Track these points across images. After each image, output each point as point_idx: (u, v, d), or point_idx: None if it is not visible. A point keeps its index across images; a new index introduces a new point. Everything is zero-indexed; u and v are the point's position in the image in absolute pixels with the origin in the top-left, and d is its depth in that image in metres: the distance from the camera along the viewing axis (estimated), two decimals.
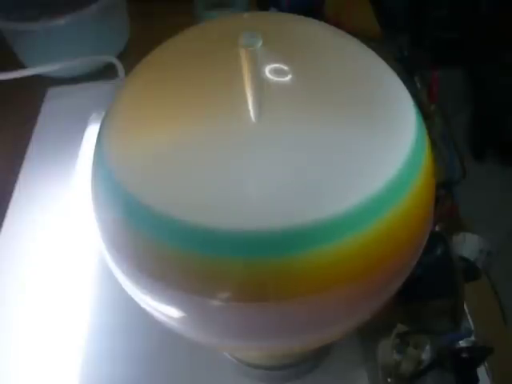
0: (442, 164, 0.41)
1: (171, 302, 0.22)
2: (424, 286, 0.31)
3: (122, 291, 0.24)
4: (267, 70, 0.22)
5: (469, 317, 0.35)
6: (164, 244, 0.20)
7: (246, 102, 0.21)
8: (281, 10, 0.56)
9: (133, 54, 0.60)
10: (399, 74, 0.25)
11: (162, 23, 0.53)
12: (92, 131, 0.48)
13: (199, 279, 0.20)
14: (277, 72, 0.22)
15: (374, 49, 0.25)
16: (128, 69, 0.53)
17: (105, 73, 0.57)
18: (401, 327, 0.31)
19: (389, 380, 0.31)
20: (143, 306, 0.24)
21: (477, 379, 0.31)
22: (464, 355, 0.30)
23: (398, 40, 0.55)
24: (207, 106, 0.21)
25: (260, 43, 0.21)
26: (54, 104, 0.53)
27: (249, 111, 0.21)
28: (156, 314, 0.24)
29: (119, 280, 0.24)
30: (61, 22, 0.51)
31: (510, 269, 0.77)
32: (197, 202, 0.20)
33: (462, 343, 0.30)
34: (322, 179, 0.20)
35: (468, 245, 0.35)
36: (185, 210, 0.20)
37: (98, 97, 0.52)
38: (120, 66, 0.54)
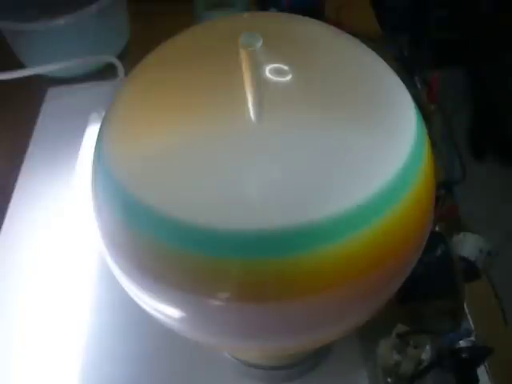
0: (442, 164, 0.41)
1: (171, 302, 0.22)
2: (424, 286, 0.31)
3: (122, 291, 0.24)
4: (267, 70, 0.22)
5: (469, 317, 0.35)
6: (163, 244, 0.20)
7: (245, 102, 0.21)
8: (281, 10, 0.56)
9: (133, 54, 0.60)
10: (399, 74, 0.25)
11: (161, 23, 0.53)
12: (92, 131, 0.48)
13: (199, 279, 0.20)
14: (277, 72, 0.22)
15: (373, 49, 0.25)
16: (128, 69, 0.53)
17: (105, 73, 0.57)
18: (401, 327, 0.31)
19: (389, 380, 0.31)
20: (143, 305, 0.24)
21: (477, 379, 0.31)
22: (464, 355, 0.30)
23: (398, 40, 0.55)
24: (207, 106, 0.21)
25: (260, 43, 0.21)
26: (54, 104, 0.53)
27: (249, 111, 0.21)
28: (156, 314, 0.24)
29: (119, 280, 0.24)
30: (61, 22, 0.50)
31: (510, 269, 0.77)
32: (197, 202, 0.20)
33: (462, 343, 0.30)
34: (321, 179, 0.20)
35: (468, 245, 0.35)
36: (184, 210, 0.20)
37: (98, 97, 0.52)
38: (120, 66, 0.54)
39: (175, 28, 0.27)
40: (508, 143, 1.24)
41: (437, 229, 0.38)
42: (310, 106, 0.21)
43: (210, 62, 0.23)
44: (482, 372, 0.32)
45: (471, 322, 0.35)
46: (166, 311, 0.23)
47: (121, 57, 0.57)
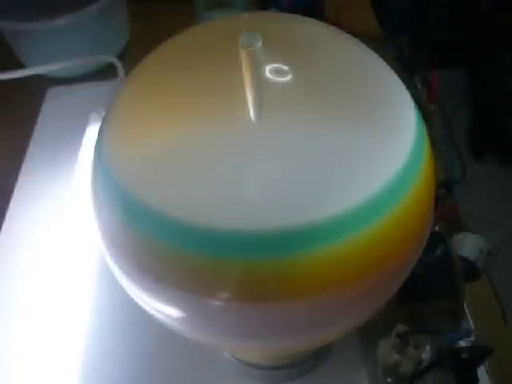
0: (442, 164, 0.41)
1: (171, 302, 0.22)
2: (424, 286, 0.31)
3: (122, 291, 0.24)
4: (267, 70, 0.22)
5: (469, 317, 0.35)
6: (163, 244, 0.20)
7: (245, 102, 0.21)
8: (281, 10, 0.56)
9: (133, 54, 0.60)
10: (399, 74, 0.25)
11: (161, 23, 0.53)
12: (92, 131, 0.48)
13: (199, 279, 0.20)
14: (277, 72, 0.22)
15: (373, 49, 0.25)
16: (128, 69, 0.53)
17: (105, 73, 0.57)
18: (401, 327, 0.31)
19: (389, 380, 0.31)
20: (143, 305, 0.24)
21: (477, 379, 0.31)
22: (464, 355, 0.30)
23: (398, 40, 0.55)
24: (207, 106, 0.21)
25: (260, 43, 0.21)
26: (54, 104, 0.53)
27: (249, 111, 0.21)
28: (156, 314, 0.24)
29: (119, 280, 0.24)
30: (61, 22, 0.50)
31: (510, 269, 0.77)
32: (196, 202, 0.20)
33: (462, 343, 0.30)
34: (321, 179, 0.20)
35: (468, 245, 0.35)
36: (184, 210, 0.20)
37: (98, 97, 0.52)
38: (120, 66, 0.54)
39: (175, 28, 0.27)
40: (508, 143, 1.24)
41: (437, 229, 0.38)
42: (309, 105, 0.21)
43: (210, 61, 0.23)
44: (482, 372, 0.32)
45: (471, 322, 0.35)
46: (166, 311, 0.23)
47: (121, 57, 0.57)
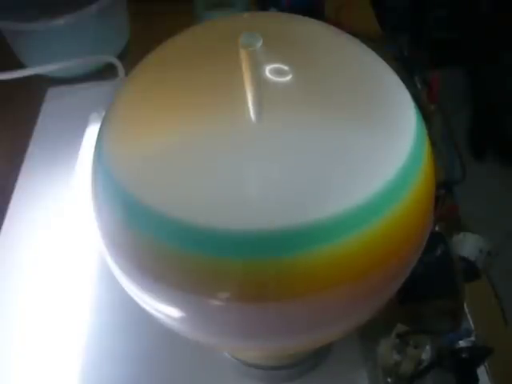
0: (442, 164, 0.41)
1: (171, 302, 0.22)
2: (424, 286, 0.31)
3: (122, 291, 0.24)
4: (267, 70, 0.22)
5: (469, 317, 0.35)
6: (163, 244, 0.20)
7: (246, 102, 0.21)
8: (281, 10, 0.56)
9: (133, 54, 0.60)
10: (399, 74, 0.25)
11: (161, 23, 0.53)
12: (92, 131, 0.48)
13: (199, 279, 0.20)
14: (277, 72, 0.22)
15: (373, 49, 0.25)
16: (128, 69, 0.53)
17: (105, 73, 0.57)
18: (401, 327, 0.31)
19: (389, 380, 0.31)
20: (143, 305, 0.24)
21: (477, 379, 0.31)
22: (464, 355, 0.30)
23: (398, 40, 0.55)
24: (207, 106, 0.21)
25: (260, 43, 0.21)
26: (54, 104, 0.53)
27: (249, 111, 0.21)
28: (156, 314, 0.24)
29: (119, 280, 0.24)
30: (61, 22, 0.51)
31: (510, 269, 0.77)
32: (197, 202, 0.20)
33: (462, 343, 0.30)
34: (321, 179, 0.20)
35: (468, 245, 0.35)
36: (184, 210, 0.20)
37: (97, 97, 0.52)
38: (120, 66, 0.54)
39: (175, 28, 0.27)
40: (508, 143, 1.24)
41: (437, 229, 0.38)
42: (309, 105, 0.21)
43: (210, 61, 0.23)
44: (481, 372, 0.32)
45: (471, 322, 0.35)
46: (166, 311, 0.23)
47: (121, 57, 0.57)
